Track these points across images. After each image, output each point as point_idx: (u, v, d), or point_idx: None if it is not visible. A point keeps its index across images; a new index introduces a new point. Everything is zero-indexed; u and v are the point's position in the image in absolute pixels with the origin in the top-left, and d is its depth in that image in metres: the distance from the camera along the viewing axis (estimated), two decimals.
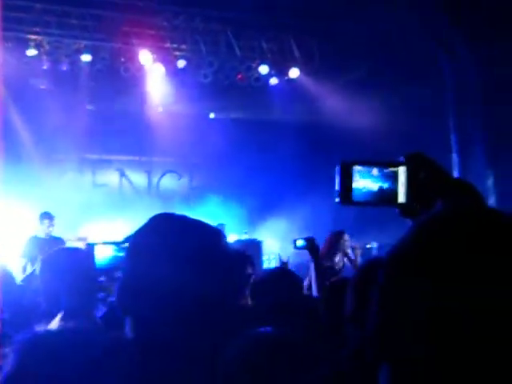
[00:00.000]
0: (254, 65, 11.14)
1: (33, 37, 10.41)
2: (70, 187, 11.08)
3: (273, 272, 3.48)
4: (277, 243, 11.72)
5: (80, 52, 10.65)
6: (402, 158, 1.19)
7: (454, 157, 10.43)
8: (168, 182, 12.31)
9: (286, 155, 11.32)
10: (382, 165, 1.20)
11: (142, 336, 1.33)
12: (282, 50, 11.10)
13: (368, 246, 10.97)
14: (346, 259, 7.79)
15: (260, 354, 2.23)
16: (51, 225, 8.73)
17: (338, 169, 1.20)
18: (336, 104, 10.67)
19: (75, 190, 11.05)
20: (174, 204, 11.47)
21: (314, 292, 4.28)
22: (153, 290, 1.31)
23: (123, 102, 11.37)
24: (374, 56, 10.13)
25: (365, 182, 1.19)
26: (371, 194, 1.19)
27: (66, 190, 10.97)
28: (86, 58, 10.68)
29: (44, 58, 10.61)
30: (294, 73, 11.22)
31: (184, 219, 1.42)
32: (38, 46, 10.51)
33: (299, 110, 11.30)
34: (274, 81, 11.39)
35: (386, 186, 1.19)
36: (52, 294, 2.59)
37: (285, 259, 7.83)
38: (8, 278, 3.19)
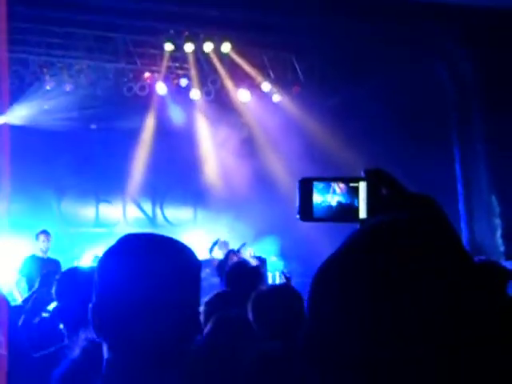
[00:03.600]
0: (256, 82, 11.18)
1: (36, 58, 10.48)
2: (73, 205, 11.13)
3: (274, 288, 3.46)
4: (280, 261, 11.71)
5: (83, 72, 10.71)
6: (362, 173, 1.17)
7: (457, 168, 10.42)
8: (172, 206, 12.40)
9: (287, 172, 11.31)
10: (342, 180, 1.19)
11: (117, 355, 1.36)
12: (285, 67, 11.15)
13: None
14: None
15: (268, 369, 2.20)
16: (47, 240, 8.82)
17: (297, 185, 1.18)
18: (334, 123, 10.68)
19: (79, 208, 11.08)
20: (179, 224, 11.46)
21: None
22: (123, 310, 1.33)
23: (127, 121, 11.36)
24: (374, 71, 10.14)
25: (325, 197, 1.18)
26: (332, 209, 1.19)
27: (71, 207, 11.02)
28: (89, 78, 10.73)
29: (47, 78, 10.65)
30: (297, 90, 11.25)
31: (152, 237, 1.44)
32: (41, 67, 10.57)
33: (299, 125, 11.29)
34: (276, 98, 11.43)
35: (347, 201, 1.18)
36: (70, 313, 2.57)
37: (287, 275, 8.09)
38: (3, 301, 3.14)
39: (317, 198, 1.18)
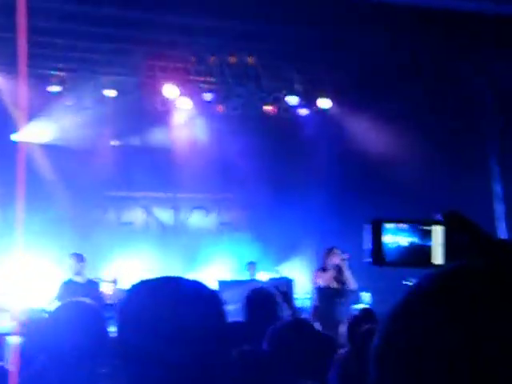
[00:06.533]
0: (282, 95, 10.84)
1: (55, 73, 10.24)
2: (94, 225, 10.83)
3: (288, 324, 3.25)
4: (308, 280, 11.33)
5: (104, 87, 10.47)
6: (438, 216, 1.12)
7: (498, 189, 9.92)
8: (195, 218, 12.03)
9: (316, 187, 10.97)
10: (415, 222, 1.15)
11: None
12: (312, 80, 10.79)
13: (406, 283, 10.48)
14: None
15: None
16: (80, 266, 8.41)
17: (367, 227, 1.14)
18: (369, 136, 10.29)
19: (100, 229, 10.79)
20: (202, 242, 11.12)
21: None
22: (138, 355, 1.39)
23: (148, 137, 11.20)
24: (409, 86, 9.75)
25: (396, 240, 1.14)
26: (403, 253, 1.14)
27: (91, 228, 10.72)
28: (110, 93, 10.48)
29: (67, 94, 10.40)
30: (324, 103, 10.86)
31: (176, 287, 1.49)
32: (61, 82, 10.34)
33: (330, 141, 10.93)
34: (303, 112, 11.04)
35: (419, 245, 1.14)
36: (55, 349, 2.44)
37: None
38: None
39: (387, 240, 1.14)
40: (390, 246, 1.13)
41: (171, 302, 1.42)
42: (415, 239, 1.14)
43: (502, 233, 9.83)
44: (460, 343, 0.67)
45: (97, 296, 7.88)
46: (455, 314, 0.69)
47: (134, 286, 1.49)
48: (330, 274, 7.90)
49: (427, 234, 1.13)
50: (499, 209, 9.89)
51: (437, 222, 1.13)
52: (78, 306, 2.63)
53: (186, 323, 1.39)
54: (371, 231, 1.14)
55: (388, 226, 1.14)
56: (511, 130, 9.57)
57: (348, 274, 7.93)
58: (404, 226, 1.14)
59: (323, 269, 8.00)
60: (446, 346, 0.67)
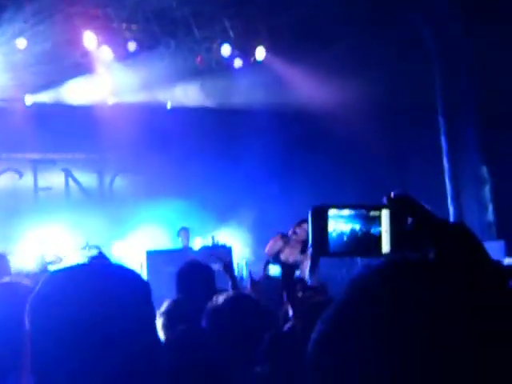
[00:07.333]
0: (214, 45, 10.07)
1: None
2: (7, 192, 10.14)
3: (228, 301, 3.00)
4: (246, 248, 10.79)
5: (14, 36, 9.42)
6: (384, 200, 1.06)
7: (443, 140, 9.48)
8: (122, 182, 11.40)
9: (254, 147, 10.37)
10: (362, 208, 1.08)
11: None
12: (247, 27, 10.04)
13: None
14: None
15: None
16: None
17: (310, 214, 1.08)
18: (308, 86, 9.67)
19: (14, 195, 10.14)
20: (130, 207, 10.50)
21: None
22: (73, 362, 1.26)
23: (66, 92, 10.33)
24: (352, 33, 9.13)
25: (342, 228, 1.07)
26: (350, 242, 1.07)
27: (4, 195, 10.05)
28: (22, 43, 9.46)
29: None
30: (260, 53, 10.11)
31: (98, 278, 1.35)
32: None
33: (267, 94, 10.27)
34: (238, 63, 10.28)
35: (367, 232, 1.07)
36: None
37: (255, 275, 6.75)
38: None
39: (332, 229, 1.08)
40: (334, 235, 1.07)
41: (90, 297, 1.29)
42: (362, 226, 1.08)
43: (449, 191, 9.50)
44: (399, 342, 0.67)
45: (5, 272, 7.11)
46: (395, 312, 0.68)
47: (46, 279, 1.36)
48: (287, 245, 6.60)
49: (375, 221, 1.08)
50: (447, 165, 9.50)
51: (385, 207, 1.07)
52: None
53: (109, 322, 1.27)
54: (311, 219, 1.08)
55: (332, 212, 1.08)
56: (457, 79, 9.10)
57: (306, 265, 6.94)
58: (349, 211, 1.08)
59: (285, 236, 6.47)
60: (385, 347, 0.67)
